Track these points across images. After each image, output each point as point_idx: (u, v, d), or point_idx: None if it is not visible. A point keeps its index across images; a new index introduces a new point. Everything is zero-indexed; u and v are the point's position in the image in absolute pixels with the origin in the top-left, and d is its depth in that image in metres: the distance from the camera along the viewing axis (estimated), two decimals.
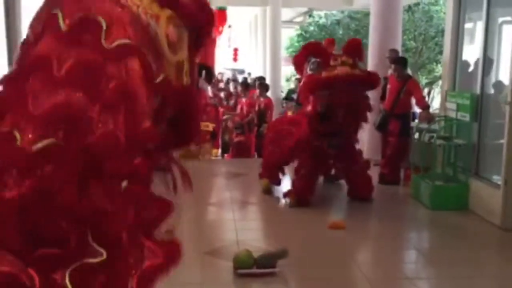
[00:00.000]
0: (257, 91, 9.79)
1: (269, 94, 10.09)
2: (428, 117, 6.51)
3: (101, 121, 1.18)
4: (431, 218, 5.48)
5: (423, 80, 15.75)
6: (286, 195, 5.79)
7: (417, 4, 15.06)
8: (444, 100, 6.44)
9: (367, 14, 12.24)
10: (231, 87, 12.51)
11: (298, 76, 11.27)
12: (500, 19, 6.11)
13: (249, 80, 12.89)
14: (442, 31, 10.10)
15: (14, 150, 1.12)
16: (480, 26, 5.89)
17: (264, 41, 15.52)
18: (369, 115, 5.87)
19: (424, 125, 6.40)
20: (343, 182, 6.22)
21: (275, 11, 13.97)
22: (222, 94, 11.61)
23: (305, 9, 17.45)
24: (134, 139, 1.22)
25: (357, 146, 6.11)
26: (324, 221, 5.03)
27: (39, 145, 1.11)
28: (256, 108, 9.54)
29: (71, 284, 1.10)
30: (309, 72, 5.52)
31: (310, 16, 18.53)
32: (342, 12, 17.54)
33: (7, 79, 1.29)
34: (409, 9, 14.80)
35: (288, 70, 19.80)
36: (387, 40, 8.02)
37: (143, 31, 1.35)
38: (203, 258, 4.16)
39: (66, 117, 1.15)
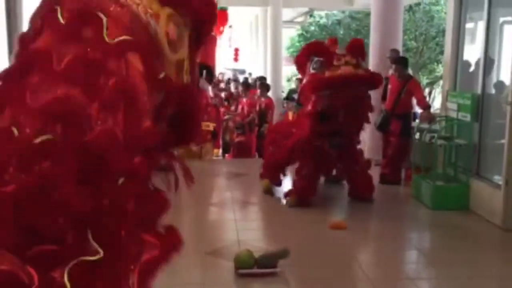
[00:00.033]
0: (258, 91, 9.79)
1: (270, 94, 10.09)
2: (429, 117, 6.51)
3: (100, 118, 1.17)
4: (432, 218, 5.48)
5: (424, 80, 15.75)
6: (287, 195, 5.79)
7: (418, 4, 15.06)
8: (445, 100, 6.44)
9: (368, 14, 12.23)
10: (232, 87, 12.52)
11: (299, 76, 11.28)
12: (501, 19, 6.12)
13: (250, 80, 12.89)
14: (443, 31, 10.10)
15: (11, 145, 1.12)
16: (481, 26, 5.88)
17: (265, 41, 15.52)
18: (370, 115, 5.87)
19: (425, 125, 6.40)
20: (345, 182, 6.22)
21: (276, 11, 13.97)
22: (223, 94, 11.61)
23: (306, 9, 17.45)
24: (133, 138, 1.21)
25: (358, 146, 6.11)
26: (325, 221, 5.03)
27: (37, 140, 1.11)
28: (257, 108, 9.54)
29: (70, 282, 1.10)
30: (312, 71, 5.50)
31: (311, 16, 18.53)
32: (343, 12, 17.54)
33: (6, 73, 1.28)
34: (410, 9, 14.81)
35: (289, 70, 19.82)
36: (388, 40, 8.01)
37: (143, 30, 1.35)
38: (204, 258, 4.16)
39: (63, 112, 1.14)
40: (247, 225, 5.17)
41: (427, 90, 15.62)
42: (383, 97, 7.15)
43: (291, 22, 19.20)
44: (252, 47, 20.71)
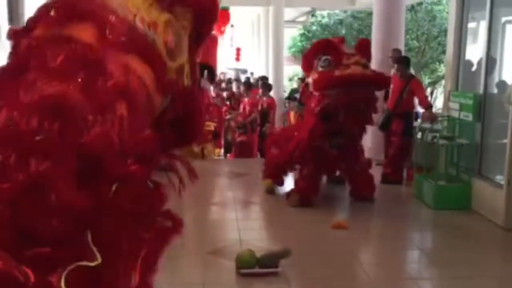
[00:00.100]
0: (260, 90, 9.79)
1: (271, 93, 10.09)
2: (431, 117, 6.50)
3: (96, 120, 1.14)
4: (433, 218, 5.48)
5: (426, 80, 15.74)
6: (289, 195, 5.79)
7: (420, 4, 15.05)
8: (447, 99, 6.43)
9: (369, 14, 12.23)
10: (234, 87, 12.53)
11: (301, 76, 11.29)
12: (504, 19, 6.11)
13: (251, 80, 12.89)
14: (445, 31, 10.08)
15: (7, 143, 1.10)
16: (483, 25, 5.88)
17: (266, 40, 15.51)
18: (373, 116, 5.86)
19: (427, 125, 6.40)
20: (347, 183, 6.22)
21: (278, 10, 13.96)
22: (224, 94, 11.62)
23: (308, 9, 17.42)
24: (130, 144, 1.18)
25: (359, 146, 6.10)
26: (327, 221, 5.03)
27: (35, 138, 1.10)
28: (259, 107, 9.55)
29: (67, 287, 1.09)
30: (320, 69, 5.47)
31: (313, 15, 18.52)
32: (345, 11, 17.54)
33: (0, 72, 1.27)
34: (412, 8, 14.79)
35: (290, 69, 19.83)
36: (390, 39, 8.01)
37: (140, 40, 1.34)
38: (206, 258, 4.17)
39: (58, 107, 1.12)
40: (248, 224, 5.17)
41: (429, 90, 15.61)
42: (385, 97, 7.15)
43: (293, 21, 19.17)
44: (253, 46, 20.70)
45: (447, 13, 9.70)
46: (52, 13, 1.29)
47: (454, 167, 6.01)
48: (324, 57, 5.37)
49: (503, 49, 6.11)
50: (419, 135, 6.47)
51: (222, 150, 10.05)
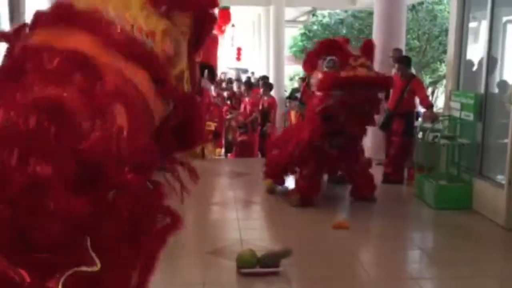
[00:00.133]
0: (261, 90, 9.79)
1: (272, 93, 10.08)
2: (432, 117, 6.50)
3: (94, 126, 1.12)
4: (434, 218, 5.47)
5: (427, 80, 15.73)
6: (289, 194, 5.79)
7: (421, 3, 15.04)
8: (448, 99, 6.43)
9: (370, 13, 12.22)
10: (235, 86, 12.52)
11: (301, 75, 11.28)
12: (505, 18, 6.11)
13: (252, 80, 12.89)
14: (446, 30, 10.07)
15: (6, 143, 1.09)
16: (484, 25, 5.87)
17: (267, 40, 15.49)
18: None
19: (428, 125, 6.39)
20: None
21: (279, 10, 13.95)
22: (225, 94, 11.62)
23: (308, 8, 17.41)
24: (128, 154, 1.16)
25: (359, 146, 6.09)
26: (328, 221, 5.03)
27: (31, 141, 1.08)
28: (260, 107, 9.55)
29: None
30: (325, 69, 5.45)
31: (313, 15, 18.51)
32: (346, 11, 17.53)
33: None
34: (413, 8, 14.78)
35: (291, 69, 19.82)
36: (391, 39, 8.00)
37: (138, 48, 1.34)
38: (206, 258, 4.16)
39: (54, 109, 1.10)
40: (249, 224, 5.17)
41: (430, 90, 15.60)
42: (386, 97, 7.14)
43: (293, 21, 19.16)
44: (254, 46, 20.69)
45: (448, 12, 9.69)
46: (51, 19, 1.29)
47: (455, 166, 6.00)
48: (329, 58, 5.36)
49: (504, 49, 6.10)
50: (420, 134, 6.46)
51: (223, 150, 10.05)
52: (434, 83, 16.45)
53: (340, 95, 5.18)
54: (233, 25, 16.47)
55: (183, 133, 1.53)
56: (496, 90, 5.79)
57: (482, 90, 5.69)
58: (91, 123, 1.12)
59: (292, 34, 20.01)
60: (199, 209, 5.49)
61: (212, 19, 1.59)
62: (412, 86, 6.63)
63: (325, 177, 6.39)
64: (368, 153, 6.51)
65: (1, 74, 1.25)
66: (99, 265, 1.12)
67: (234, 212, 5.47)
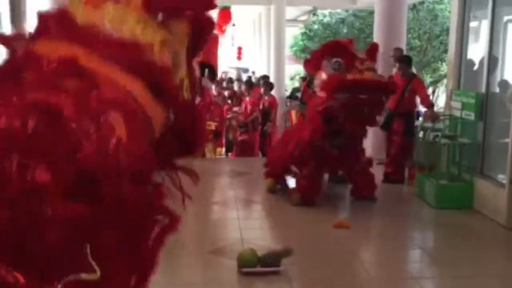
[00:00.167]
0: (262, 89, 9.78)
1: (273, 92, 10.08)
2: (433, 116, 6.49)
3: (90, 133, 1.11)
4: (435, 217, 5.47)
5: (427, 79, 15.72)
6: (290, 194, 5.79)
7: (422, 3, 15.03)
8: (449, 98, 6.42)
9: (371, 13, 12.21)
10: (236, 86, 12.53)
11: (302, 75, 11.27)
12: (506, 18, 6.10)
13: (253, 79, 12.88)
14: (447, 30, 10.06)
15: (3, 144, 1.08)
16: (485, 24, 5.86)
17: (268, 39, 15.48)
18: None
19: (429, 124, 6.38)
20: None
21: (279, 9, 13.94)
22: (226, 93, 11.62)
23: (309, 8, 17.40)
24: (127, 165, 1.14)
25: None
26: (328, 220, 5.03)
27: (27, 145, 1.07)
28: (261, 106, 9.54)
29: None
30: (330, 71, 5.42)
31: (314, 14, 18.49)
32: (347, 10, 17.52)
33: None
34: (413, 7, 14.77)
35: (292, 68, 19.80)
36: (392, 38, 7.99)
37: (136, 59, 1.34)
38: (207, 257, 4.17)
39: (51, 112, 1.09)
40: (250, 224, 5.17)
41: (430, 89, 15.59)
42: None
43: (294, 20, 19.15)
44: (255, 45, 20.68)
45: (449, 12, 9.70)
46: (52, 32, 1.29)
47: (456, 166, 6.00)
48: (334, 59, 5.33)
49: (505, 48, 6.09)
50: (420, 134, 6.45)
51: (224, 149, 10.05)
52: (435, 83, 16.44)
53: (345, 98, 5.18)
54: (233, 25, 16.47)
55: (184, 139, 1.54)
56: (497, 90, 5.78)
57: (483, 89, 5.68)
58: (87, 131, 1.11)
59: (292, 33, 19.99)
60: (199, 209, 5.49)
61: (209, 25, 1.59)
62: (413, 86, 6.62)
63: (326, 176, 6.39)
64: (368, 152, 6.51)
65: (0, 76, 1.25)
66: (98, 273, 1.11)
67: (234, 211, 5.48)
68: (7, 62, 1.31)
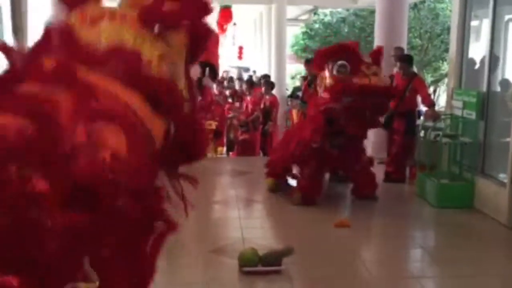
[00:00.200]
0: (263, 89, 9.78)
1: (274, 92, 10.07)
2: (434, 115, 6.49)
3: (85, 146, 1.09)
4: (436, 216, 5.47)
5: (428, 78, 15.70)
6: (291, 193, 5.79)
7: (423, 2, 15.01)
8: (450, 98, 6.42)
9: (372, 12, 12.20)
10: (237, 85, 12.51)
11: (303, 74, 11.25)
12: (507, 17, 6.09)
13: (254, 78, 12.87)
14: (448, 29, 10.05)
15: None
16: (486, 23, 5.86)
17: (269, 39, 15.47)
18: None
19: (430, 123, 6.38)
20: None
21: (280, 8, 13.93)
22: (227, 92, 11.62)
23: (310, 7, 17.39)
24: (125, 179, 1.12)
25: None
26: (329, 219, 5.03)
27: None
28: (262, 106, 9.54)
29: None
30: (336, 73, 5.38)
31: (315, 14, 18.48)
32: (347, 10, 17.50)
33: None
34: (414, 6, 14.75)
35: (293, 68, 19.78)
36: (393, 37, 7.99)
37: (133, 72, 1.34)
38: (208, 256, 4.17)
39: (47, 122, 1.07)
40: (251, 223, 5.17)
41: (431, 88, 15.57)
42: None
43: (295, 20, 19.13)
44: (256, 45, 20.67)
45: (450, 11, 9.68)
46: (54, 48, 1.30)
47: (457, 165, 5.99)
48: (340, 62, 5.30)
49: (506, 47, 6.08)
50: (422, 133, 6.45)
51: (225, 149, 10.05)
52: (436, 82, 16.42)
53: (348, 101, 5.18)
54: (234, 24, 16.46)
55: (186, 148, 1.54)
56: (498, 89, 5.78)
57: (484, 88, 5.68)
58: (82, 143, 1.09)
59: (293, 32, 19.96)
60: (201, 208, 5.49)
61: (207, 33, 1.59)
62: (414, 85, 6.62)
63: (327, 175, 6.39)
64: (370, 152, 6.50)
65: (4, 82, 1.25)
66: (97, 283, 1.11)
67: (236, 210, 5.48)
68: (7, 73, 1.31)
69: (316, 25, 18.58)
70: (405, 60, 6.84)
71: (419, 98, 6.90)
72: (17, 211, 1.01)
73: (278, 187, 6.12)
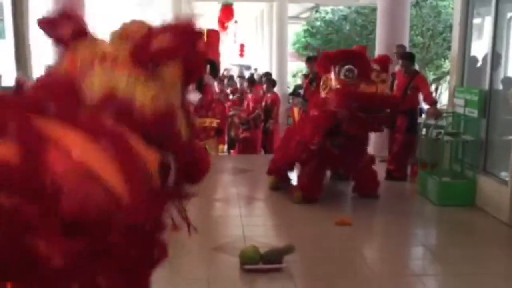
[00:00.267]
0: (264, 86, 9.77)
1: (275, 90, 10.07)
2: (436, 113, 6.48)
3: (74, 183, 1.04)
4: (438, 215, 5.46)
5: (430, 76, 15.68)
6: (292, 191, 5.78)
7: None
8: (452, 96, 6.40)
9: (374, 10, 12.17)
10: (238, 83, 12.52)
11: (304, 72, 11.26)
12: (509, 14, 6.06)
13: (255, 76, 12.87)
14: (450, 27, 10.03)
15: None
16: (488, 21, 5.84)
17: (270, 36, 15.48)
18: None
19: (432, 121, 6.37)
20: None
21: (282, 6, 13.93)
22: (228, 90, 11.61)
23: (311, 5, 17.38)
24: (119, 216, 1.09)
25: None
26: (330, 217, 5.02)
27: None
28: (263, 104, 9.53)
29: None
30: (342, 77, 5.34)
31: (316, 11, 18.46)
32: (349, 7, 17.48)
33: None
34: (416, 4, 14.71)
35: (294, 65, 19.78)
36: (394, 35, 7.98)
37: (124, 111, 1.33)
38: (210, 254, 4.17)
39: (29, 148, 1.04)
40: (252, 221, 5.17)
41: (433, 86, 15.54)
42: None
43: (296, 17, 19.13)
44: (257, 42, 20.66)
45: (452, 8, 9.65)
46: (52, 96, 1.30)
47: (458, 163, 5.99)
48: (347, 66, 5.25)
49: (508, 45, 6.07)
50: (423, 131, 6.44)
51: (226, 146, 10.05)
52: (438, 80, 16.39)
53: (355, 107, 5.16)
54: (236, 21, 16.44)
55: (188, 170, 1.54)
56: (501, 87, 5.77)
57: (486, 86, 5.67)
58: (71, 181, 1.05)
59: (295, 30, 19.95)
60: (202, 206, 5.49)
61: (200, 65, 1.59)
62: (415, 83, 6.61)
63: (328, 173, 6.38)
64: (371, 150, 6.49)
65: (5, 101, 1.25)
66: None
67: (237, 208, 5.48)
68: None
69: (318, 23, 18.55)
70: (407, 58, 6.83)
71: (420, 96, 6.89)
72: (12, 237, 0.99)
73: (279, 185, 6.12)
